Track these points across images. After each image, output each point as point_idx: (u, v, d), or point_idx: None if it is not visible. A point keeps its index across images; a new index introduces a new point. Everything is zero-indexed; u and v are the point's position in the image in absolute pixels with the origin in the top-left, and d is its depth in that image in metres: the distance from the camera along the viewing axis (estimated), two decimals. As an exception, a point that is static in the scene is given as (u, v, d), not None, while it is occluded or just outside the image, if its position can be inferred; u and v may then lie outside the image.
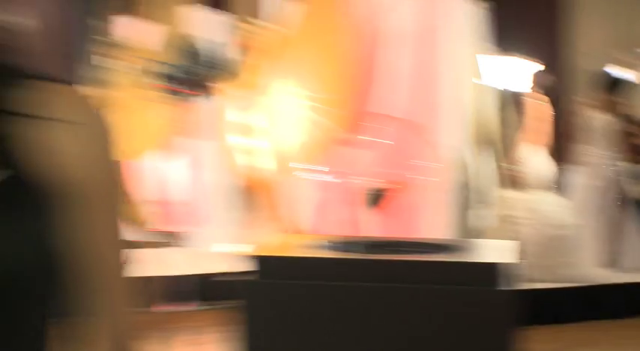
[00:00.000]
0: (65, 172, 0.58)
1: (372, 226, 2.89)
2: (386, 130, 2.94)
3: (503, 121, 3.80)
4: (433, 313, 1.55)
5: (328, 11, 3.20)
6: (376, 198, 2.93)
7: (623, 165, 4.93)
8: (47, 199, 0.58)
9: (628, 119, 5.00)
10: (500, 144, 3.62)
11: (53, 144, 0.58)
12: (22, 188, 0.57)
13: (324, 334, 1.52)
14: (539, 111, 4.94)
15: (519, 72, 5.11)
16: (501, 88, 4.34)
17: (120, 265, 0.65)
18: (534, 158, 4.83)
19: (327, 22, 3.19)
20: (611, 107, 4.97)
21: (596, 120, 4.97)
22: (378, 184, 2.95)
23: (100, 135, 0.63)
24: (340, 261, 1.67)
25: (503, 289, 1.55)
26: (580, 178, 5.03)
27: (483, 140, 3.19)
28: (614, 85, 5.11)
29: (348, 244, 1.79)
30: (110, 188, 0.65)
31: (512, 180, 4.48)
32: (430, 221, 2.89)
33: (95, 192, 0.61)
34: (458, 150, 2.96)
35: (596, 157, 4.96)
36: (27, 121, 0.57)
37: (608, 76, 5.23)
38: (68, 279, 0.60)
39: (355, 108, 3.02)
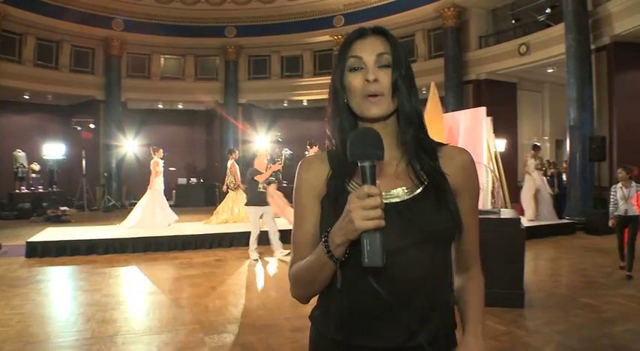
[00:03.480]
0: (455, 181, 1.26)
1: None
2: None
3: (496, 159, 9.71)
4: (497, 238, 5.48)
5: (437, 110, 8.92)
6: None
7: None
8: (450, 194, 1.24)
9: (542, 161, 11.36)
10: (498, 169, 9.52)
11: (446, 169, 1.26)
12: (437, 191, 1.21)
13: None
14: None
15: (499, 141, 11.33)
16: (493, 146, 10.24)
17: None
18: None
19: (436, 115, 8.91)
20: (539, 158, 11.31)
21: (530, 162, 11.17)
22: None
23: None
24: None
25: (521, 228, 5.78)
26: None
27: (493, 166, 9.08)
28: (536, 147, 11.47)
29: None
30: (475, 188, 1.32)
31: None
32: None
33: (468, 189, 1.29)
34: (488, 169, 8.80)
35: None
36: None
37: (535, 145, 11.61)
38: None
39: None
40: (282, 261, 8.21)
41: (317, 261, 1.16)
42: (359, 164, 1.07)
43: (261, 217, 8.38)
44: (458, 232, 1.26)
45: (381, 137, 1.10)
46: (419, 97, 1.29)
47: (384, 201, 1.15)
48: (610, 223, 7.07)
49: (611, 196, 7.07)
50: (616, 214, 6.97)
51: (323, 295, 1.30)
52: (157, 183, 10.63)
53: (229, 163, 11.37)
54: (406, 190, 1.22)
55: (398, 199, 1.21)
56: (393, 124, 1.27)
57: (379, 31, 1.27)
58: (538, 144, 12.38)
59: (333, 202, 1.14)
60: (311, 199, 1.28)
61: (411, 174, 1.25)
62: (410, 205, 1.21)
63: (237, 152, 12.11)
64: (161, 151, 10.77)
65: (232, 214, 11.48)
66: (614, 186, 7.20)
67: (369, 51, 1.23)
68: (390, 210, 1.16)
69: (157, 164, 10.58)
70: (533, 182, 11.22)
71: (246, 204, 8.50)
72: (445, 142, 1.35)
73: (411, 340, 1.19)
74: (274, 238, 8.46)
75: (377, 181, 1.07)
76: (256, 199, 8.32)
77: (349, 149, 1.09)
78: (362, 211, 1.02)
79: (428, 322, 1.20)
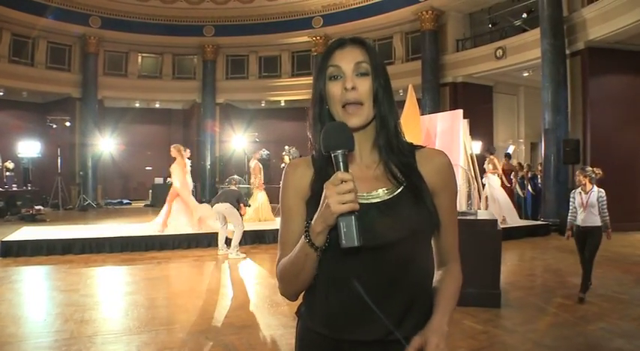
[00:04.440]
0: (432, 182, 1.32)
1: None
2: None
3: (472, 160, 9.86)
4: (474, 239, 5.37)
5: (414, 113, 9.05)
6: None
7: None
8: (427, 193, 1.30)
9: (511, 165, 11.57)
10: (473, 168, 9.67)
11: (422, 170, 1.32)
12: (414, 191, 1.28)
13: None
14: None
15: (476, 143, 11.49)
16: (470, 148, 10.38)
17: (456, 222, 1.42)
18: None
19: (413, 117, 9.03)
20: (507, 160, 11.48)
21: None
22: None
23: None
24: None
25: (497, 229, 5.89)
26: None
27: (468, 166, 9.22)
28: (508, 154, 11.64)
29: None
30: (452, 188, 1.37)
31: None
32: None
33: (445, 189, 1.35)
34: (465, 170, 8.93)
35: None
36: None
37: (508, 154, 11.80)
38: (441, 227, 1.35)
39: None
40: (257, 261, 8.23)
41: (300, 253, 1.23)
42: (332, 154, 1.16)
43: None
44: (436, 230, 1.33)
45: (351, 131, 1.21)
46: (395, 102, 1.36)
47: (366, 202, 1.25)
48: (566, 236, 6.21)
49: (570, 203, 6.17)
50: (575, 223, 6.03)
51: (308, 290, 1.35)
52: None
53: (253, 164, 11.70)
54: (386, 191, 1.29)
55: (378, 200, 1.28)
56: (372, 130, 1.34)
57: (357, 41, 1.33)
58: (494, 148, 12.66)
59: (317, 203, 1.19)
60: (297, 201, 1.34)
61: (389, 176, 1.32)
62: (390, 204, 1.27)
63: (259, 152, 12.37)
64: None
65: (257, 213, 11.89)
66: (573, 191, 6.30)
67: (348, 60, 1.29)
68: (372, 210, 1.25)
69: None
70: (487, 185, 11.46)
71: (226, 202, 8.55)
72: (423, 145, 1.42)
73: (393, 333, 1.25)
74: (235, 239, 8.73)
75: (349, 169, 1.15)
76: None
77: (322, 143, 1.19)
78: (337, 196, 1.10)
79: (409, 316, 1.26)
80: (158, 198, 18.38)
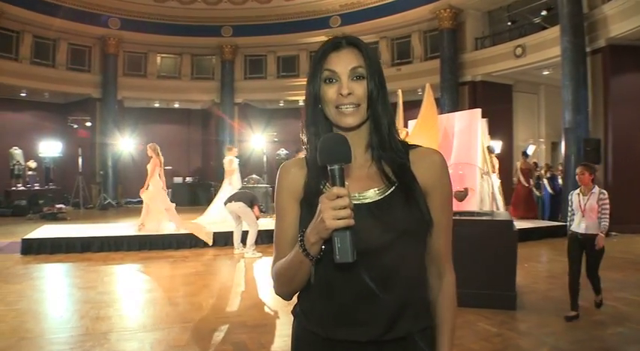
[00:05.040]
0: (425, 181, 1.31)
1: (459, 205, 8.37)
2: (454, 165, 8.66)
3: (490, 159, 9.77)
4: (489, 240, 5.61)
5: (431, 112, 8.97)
6: (462, 195, 7.91)
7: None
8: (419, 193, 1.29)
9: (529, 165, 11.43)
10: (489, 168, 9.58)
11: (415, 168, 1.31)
12: (406, 191, 1.27)
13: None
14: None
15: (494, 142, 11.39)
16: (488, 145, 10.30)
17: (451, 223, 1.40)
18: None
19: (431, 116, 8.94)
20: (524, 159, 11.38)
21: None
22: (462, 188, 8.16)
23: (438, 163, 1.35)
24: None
25: (513, 229, 5.66)
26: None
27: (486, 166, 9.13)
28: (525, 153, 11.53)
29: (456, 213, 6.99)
30: (445, 187, 1.35)
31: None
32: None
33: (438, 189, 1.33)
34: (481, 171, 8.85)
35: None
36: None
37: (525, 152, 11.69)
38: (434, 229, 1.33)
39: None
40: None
41: (295, 259, 1.22)
42: (328, 168, 1.14)
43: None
44: (428, 230, 1.32)
45: (349, 142, 1.18)
46: (389, 102, 1.35)
47: (357, 202, 1.24)
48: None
49: (569, 206, 5.34)
50: (573, 230, 5.21)
51: (303, 291, 1.35)
52: (235, 180, 10.75)
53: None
54: (378, 191, 1.29)
55: (370, 200, 1.28)
56: (366, 130, 1.34)
57: (353, 43, 1.32)
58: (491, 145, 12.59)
59: (311, 204, 1.19)
60: (291, 202, 1.35)
61: (382, 175, 1.31)
62: (381, 205, 1.27)
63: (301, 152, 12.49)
64: (235, 149, 10.76)
65: None
66: (571, 192, 5.45)
67: (343, 64, 1.28)
68: (363, 210, 1.24)
69: (232, 162, 10.67)
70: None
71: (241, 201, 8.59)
72: (417, 144, 1.40)
73: (388, 333, 1.24)
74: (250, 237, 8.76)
75: (346, 183, 1.13)
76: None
77: (319, 155, 1.17)
78: (332, 211, 1.08)
79: (403, 316, 1.25)
80: (177, 197, 18.57)
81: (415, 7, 16.44)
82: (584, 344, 4.42)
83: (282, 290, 1.35)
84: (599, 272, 5.17)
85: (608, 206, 5.02)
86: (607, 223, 5.00)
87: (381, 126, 1.32)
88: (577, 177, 5.22)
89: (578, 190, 5.23)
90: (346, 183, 1.13)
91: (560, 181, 13.04)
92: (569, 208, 5.31)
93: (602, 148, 11.42)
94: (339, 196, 1.08)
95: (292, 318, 1.41)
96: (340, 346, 1.28)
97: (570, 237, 5.23)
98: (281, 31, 18.96)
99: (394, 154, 1.33)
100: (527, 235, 9.97)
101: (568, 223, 5.36)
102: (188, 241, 9.45)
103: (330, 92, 1.28)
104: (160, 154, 9.91)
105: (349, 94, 1.26)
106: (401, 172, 1.31)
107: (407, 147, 1.37)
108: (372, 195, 1.28)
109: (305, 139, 1.39)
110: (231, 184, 10.76)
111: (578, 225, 5.12)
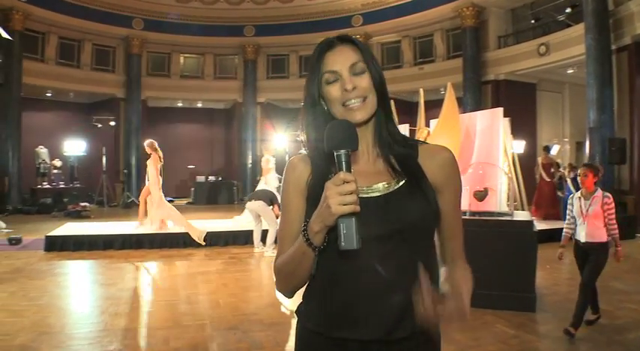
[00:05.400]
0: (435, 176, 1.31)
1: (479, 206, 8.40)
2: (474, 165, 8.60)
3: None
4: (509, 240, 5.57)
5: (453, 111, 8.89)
6: (482, 195, 8.08)
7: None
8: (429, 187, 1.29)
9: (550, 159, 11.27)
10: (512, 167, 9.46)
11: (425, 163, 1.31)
12: (415, 185, 1.27)
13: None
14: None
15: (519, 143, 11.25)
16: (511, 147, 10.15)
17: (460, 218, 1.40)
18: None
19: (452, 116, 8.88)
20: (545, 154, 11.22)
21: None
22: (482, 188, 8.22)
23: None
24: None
25: (533, 230, 5.56)
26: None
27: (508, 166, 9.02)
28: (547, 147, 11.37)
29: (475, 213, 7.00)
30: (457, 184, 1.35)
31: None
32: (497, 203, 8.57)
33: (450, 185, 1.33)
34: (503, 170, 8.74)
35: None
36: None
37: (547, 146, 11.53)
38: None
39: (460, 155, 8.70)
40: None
41: (297, 251, 1.21)
42: (335, 153, 1.13)
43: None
44: (437, 224, 1.31)
45: (356, 129, 1.17)
46: (388, 96, 1.35)
47: (366, 195, 1.24)
48: (558, 254, 4.82)
49: (567, 211, 4.82)
50: (575, 238, 4.71)
51: (307, 289, 1.34)
52: (271, 179, 10.84)
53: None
54: (386, 185, 1.28)
55: (378, 193, 1.27)
56: (373, 124, 1.34)
57: (346, 40, 1.32)
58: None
59: (316, 200, 1.18)
60: (296, 198, 1.34)
61: (390, 169, 1.30)
62: (389, 198, 1.26)
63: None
64: (271, 148, 10.79)
65: None
66: (571, 195, 5.02)
67: (342, 62, 1.28)
68: (371, 203, 1.23)
69: (269, 161, 10.77)
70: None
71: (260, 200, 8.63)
72: (426, 141, 1.40)
73: (392, 332, 1.23)
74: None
75: (352, 169, 1.12)
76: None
77: (326, 141, 1.15)
78: (338, 197, 1.07)
79: (409, 314, 1.22)
80: (200, 196, 18.75)
81: (437, 6, 16.29)
82: (603, 348, 4.34)
83: (284, 285, 1.34)
84: (595, 284, 4.68)
85: (613, 211, 4.54)
86: (617, 232, 4.55)
87: (388, 119, 1.33)
88: (579, 179, 4.75)
89: (579, 194, 4.73)
90: (352, 170, 1.12)
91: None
92: (569, 215, 4.76)
93: (628, 148, 11.20)
94: (345, 182, 1.07)
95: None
96: (344, 345, 1.27)
97: (575, 246, 4.74)
98: (303, 31, 18.96)
99: (402, 148, 1.33)
100: (550, 236, 9.79)
101: (565, 231, 4.82)
102: (209, 240, 9.50)
103: (333, 91, 1.28)
104: (159, 149, 9.88)
105: (354, 88, 1.25)
106: (409, 166, 1.31)
107: (416, 142, 1.36)
108: (380, 188, 1.28)
109: (304, 139, 1.38)
110: (267, 183, 10.76)
111: (580, 232, 4.62)
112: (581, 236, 4.60)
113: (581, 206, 4.61)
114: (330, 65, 1.28)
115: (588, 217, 4.53)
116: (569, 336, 4.46)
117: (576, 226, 4.68)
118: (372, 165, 1.33)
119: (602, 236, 4.53)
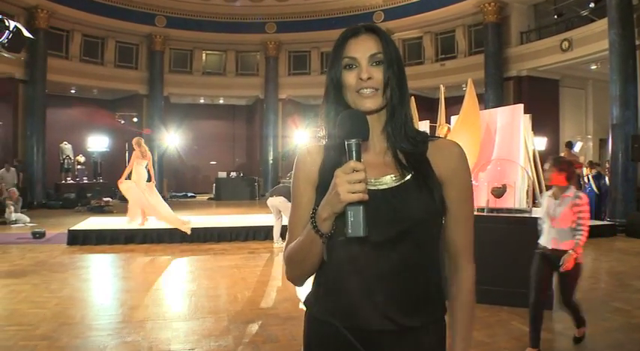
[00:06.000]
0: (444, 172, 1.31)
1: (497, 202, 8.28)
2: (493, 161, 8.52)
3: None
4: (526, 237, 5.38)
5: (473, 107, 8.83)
6: (501, 192, 8.00)
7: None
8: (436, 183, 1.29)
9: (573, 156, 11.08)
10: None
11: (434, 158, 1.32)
12: (422, 179, 1.27)
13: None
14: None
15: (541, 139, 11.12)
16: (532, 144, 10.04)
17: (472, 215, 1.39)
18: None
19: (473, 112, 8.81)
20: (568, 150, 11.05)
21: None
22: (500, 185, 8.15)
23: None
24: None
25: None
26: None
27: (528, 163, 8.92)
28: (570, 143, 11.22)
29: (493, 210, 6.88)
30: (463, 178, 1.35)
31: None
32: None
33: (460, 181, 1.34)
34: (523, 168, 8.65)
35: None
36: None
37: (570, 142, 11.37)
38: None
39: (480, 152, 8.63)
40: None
41: (306, 239, 1.23)
42: (345, 143, 1.15)
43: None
44: (441, 220, 1.32)
45: (368, 121, 1.19)
46: (408, 91, 1.35)
47: (373, 187, 1.24)
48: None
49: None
50: (540, 244, 4.14)
51: (316, 279, 1.36)
52: None
53: None
54: (394, 178, 1.28)
55: (386, 186, 1.28)
56: (383, 116, 1.34)
57: (372, 30, 1.32)
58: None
59: (325, 188, 1.19)
60: (307, 187, 1.35)
61: (398, 163, 1.31)
62: (396, 192, 1.27)
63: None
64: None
65: None
66: (543, 194, 4.61)
67: (362, 51, 1.29)
68: (378, 196, 1.24)
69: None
70: None
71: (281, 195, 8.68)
72: (438, 136, 1.40)
73: (400, 322, 1.24)
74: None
75: (361, 158, 1.14)
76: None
77: (337, 130, 1.20)
78: (348, 185, 1.09)
79: (416, 307, 1.25)
80: (221, 191, 18.90)
81: (459, 2, 16.20)
82: (621, 348, 4.29)
83: (293, 274, 1.35)
84: (574, 298, 4.15)
85: (586, 215, 3.91)
86: (582, 238, 3.86)
87: (399, 113, 1.32)
88: (546, 174, 4.15)
89: (550, 192, 4.12)
90: (362, 159, 1.14)
91: (607, 180, 12.59)
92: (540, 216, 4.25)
93: (652, 146, 11.00)
94: (355, 170, 1.09)
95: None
96: (353, 335, 1.27)
97: (538, 254, 4.11)
98: (324, 27, 18.96)
99: (410, 142, 1.33)
100: (571, 233, 9.70)
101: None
102: (228, 235, 9.60)
103: (350, 78, 1.29)
104: (143, 145, 10.05)
105: (369, 78, 1.26)
106: (417, 160, 1.31)
107: (426, 137, 1.37)
108: (388, 181, 1.28)
109: (324, 131, 1.40)
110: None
111: (547, 237, 4.05)
112: (549, 241, 4.03)
113: (548, 206, 4.04)
114: (352, 52, 1.30)
115: (556, 220, 3.96)
116: (581, 337, 4.29)
117: (542, 229, 4.15)
118: (381, 157, 1.33)
119: (571, 243, 3.91)
